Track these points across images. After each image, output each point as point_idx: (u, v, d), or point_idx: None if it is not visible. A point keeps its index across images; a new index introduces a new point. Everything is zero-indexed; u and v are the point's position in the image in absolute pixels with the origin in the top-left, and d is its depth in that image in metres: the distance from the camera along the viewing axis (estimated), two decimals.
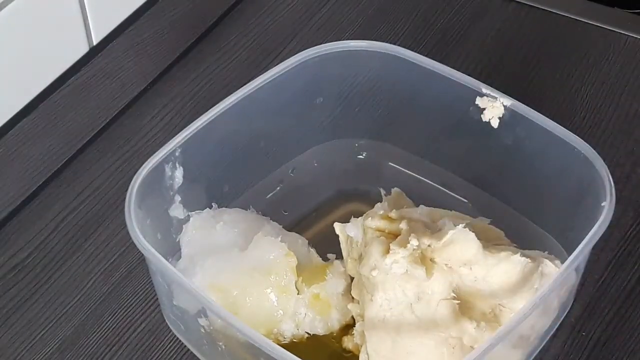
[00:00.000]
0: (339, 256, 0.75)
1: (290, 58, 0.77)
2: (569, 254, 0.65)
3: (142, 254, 0.68)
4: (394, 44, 0.78)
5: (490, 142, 0.76)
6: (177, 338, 0.75)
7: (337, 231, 0.74)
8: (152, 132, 0.88)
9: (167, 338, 0.75)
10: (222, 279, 0.71)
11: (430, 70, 0.76)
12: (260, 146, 0.80)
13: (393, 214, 0.71)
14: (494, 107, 0.74)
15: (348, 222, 0.74)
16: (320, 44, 0.78)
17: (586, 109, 0.89)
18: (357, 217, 0.73)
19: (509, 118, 0.74)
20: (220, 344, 0.70)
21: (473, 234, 0.68)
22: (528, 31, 0.97)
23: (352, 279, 0.73)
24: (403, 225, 0.70)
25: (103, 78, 0.93)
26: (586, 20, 0.97)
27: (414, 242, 0.68)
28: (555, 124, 0.72)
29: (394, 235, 0.70)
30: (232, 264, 0.72)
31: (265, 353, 0.61)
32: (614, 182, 0.68)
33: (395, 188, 0.79)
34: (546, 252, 0.71)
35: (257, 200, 0.80)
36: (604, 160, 0.70)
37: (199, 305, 0.69)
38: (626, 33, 0.96)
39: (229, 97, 0.75)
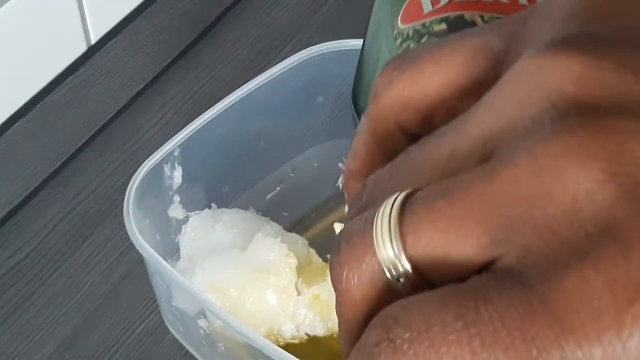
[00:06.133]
0: None
1: (290, 58, 0.76)
2: None
3: (141, 255, 0.67)
4: None
5: None
6: (176, 339, 0.74)
7: (337, 231, 0.74)
8: (150, 131, 0.88)
9: (166, 339, 0.75)
10: (221, 280, 0.71)
11: None
12: (260, 146, 0.80)
13: None
14: None
15: None
16: (320, 43, 0.78)
17: None
18: None
19: None
20: (220, 345, 0.69)
21: None
22: None
23: None
24: None
25: (101, 77, 0.92)
26: None
27: None
28: None
29: None
30: (231, 265, 0.72)
31: (265, 354, 0.61)
32: None
33: None
34: None
35: (257, 200, 0.80)
36: None
37: (198, 306, 0.69)
38: None
39: (228, 96, 0.74)
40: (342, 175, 0.33)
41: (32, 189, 0.84)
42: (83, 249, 0.80)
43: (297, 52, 0.77)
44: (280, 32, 0.96)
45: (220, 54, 0.94)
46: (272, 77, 0.75)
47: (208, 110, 0.74)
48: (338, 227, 0.77)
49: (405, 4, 0.40)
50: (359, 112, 0.48)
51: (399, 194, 0.26)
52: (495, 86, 0.26)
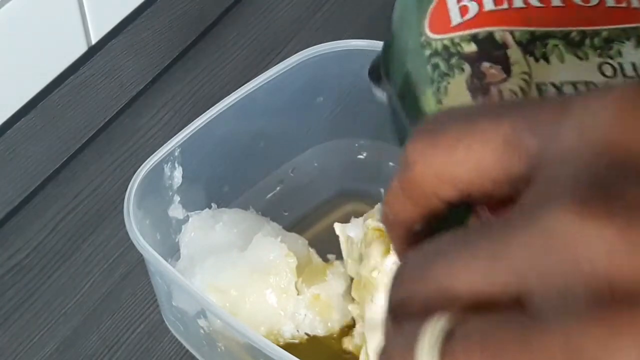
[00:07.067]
0: (339, 257, 0.74)
1: (290, 58, 0.76)
2: None
3: (141, 255, 0.67)
4: None
5: None
6: (177, 339, 0.74)
7: (337, 231, 0.74)
8: (151, 131, 0.88)
9: (166, 339, 0.75)
10: (221, 280, 0.71)
11: None
12: (260, 146, 0.79)
13: None
14: None
15: (348, 222, 0.74)
16: (320, 43, 0.78)
17: None
18: (357, 217, 0.73)
19: None
20: (220, 345, 0.69)
21: None
22: None
23: (352, 279, 0.73)
24: None
25: (102, 77, 0.92)
26: None
27: None
28: None
29: None
30: (231, 265, 0.72)
31: (264, 354, 0.61)
32: None
33: None
34: None
35: (257, 200, 0.80)
36: None
37: (198, 306, 0.69)
38: None
39: (228, 96, 0.74)
40: (381, 212, 0.34)
41: (32, 188, 0.84)
42: (83, 249, 0.80)
43: (297, 52, 0.77)
44: (280, 32, 0.96)
45: (220, 54, 0.94)
46: (272, 77, 0.75)
47: (208, 111, 0.74)
48: (338, 227, 0.77)
49: (431, 6, 0.39)
50: (377, 82, 0.47)
51: (437, 324, 0.27)
52: (528, 227, 0.27)
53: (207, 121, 0.73)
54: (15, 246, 0.80)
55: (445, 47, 0.38)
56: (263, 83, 0.75)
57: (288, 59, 0.76)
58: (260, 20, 0.97)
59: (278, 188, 0.82)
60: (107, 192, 0.84)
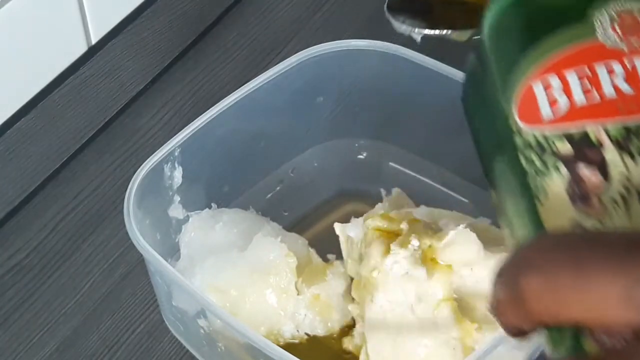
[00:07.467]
0: (339, 256, 0.74)
1: (290, 58, 0.76)
2: None
3: (141, 255, 0.67)
4: (394, 43, 0.78)
5: None
6: (177, 339, 0.74)
7: (337, 231, 0.74)
8: (151, 131, 0.88)
9: (166, 339, 0.75)
10: (221, 280, 0.71)
11: (430, 70, 0.76)
12: (260, 146, 0.79)
13: (394, 214, 0.71)
14: None
15: (348, 222, 0.74)
16: (320, 43, 0.78)
17: None
18: (357, 217, 0.73)
19: None
20: (220, 345, 0.69)
21: (474, 234, 0.68)
22: None
23: (352, 279, 0.73)
24: (404, 226, 0.69)
25: (102, 77, 0.92)
26: None
27: (414, 242, 0.67)
28: None
29: (394, 236, 0.69)
30: (231, 265, 0.72)
31: (264, 354, 0.61)
32: None
33: (396, 188, 0.79)
34: None
35: (257, 200, 0.80)
36: None
37: (198, 306, 0.69)
38: None
39: (228, 96, 0.74)
40: (489, 306, 0.35)
41: (32, 188, 0.84)
42: (83, 249, 0.80)
43: (297, 52, 0.77)
44: (280, 32, 0.96)
45: (220, 54, 0.94)
46: (272, 77, 0.75)
47: (208, 111, 0.74)
48: (338, 227, 0.77)
49: (518, 90, 0.38)
50: (396, 15, 0.46)
51: None
52: None
53: (207, 121, 0.73)
54: (15, 246, 0.80)
55: (539, 144, 0.37)
56: (263, 83, 0.75)
57: (288, 59, 0.76)
58: (260, 20, 0.97)
59: (278, 188, 0.82)
60: (107, 192, 0.84)
